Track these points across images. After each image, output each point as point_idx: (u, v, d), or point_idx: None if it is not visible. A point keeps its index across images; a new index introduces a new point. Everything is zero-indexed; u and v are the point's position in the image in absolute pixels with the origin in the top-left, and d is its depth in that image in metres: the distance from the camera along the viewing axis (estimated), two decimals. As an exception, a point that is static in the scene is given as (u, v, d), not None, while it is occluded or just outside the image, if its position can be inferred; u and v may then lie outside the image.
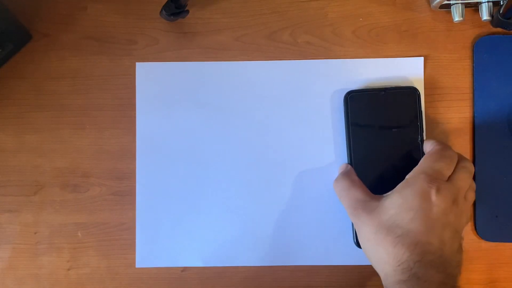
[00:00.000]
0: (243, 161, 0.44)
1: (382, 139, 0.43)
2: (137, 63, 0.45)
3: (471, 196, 0.40)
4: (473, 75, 0.45)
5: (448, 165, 0.39)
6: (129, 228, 0.45)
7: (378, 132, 0.43)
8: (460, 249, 0.38)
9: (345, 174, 0.42)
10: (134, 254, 0.44)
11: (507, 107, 0.45)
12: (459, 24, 0.45)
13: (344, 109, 0.43)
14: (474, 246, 0.45)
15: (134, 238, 0.44)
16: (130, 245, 0.45)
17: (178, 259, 0.44)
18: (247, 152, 0.44)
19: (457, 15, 0.43)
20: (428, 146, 0.41)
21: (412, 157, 0.42)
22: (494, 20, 0.43)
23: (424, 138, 0.43)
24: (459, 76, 0.45)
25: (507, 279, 0.44)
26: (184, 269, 0.45)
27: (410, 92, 0.43)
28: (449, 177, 0.38)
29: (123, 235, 0.45)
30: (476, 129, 0.45)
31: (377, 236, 0.36)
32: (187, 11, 0.44)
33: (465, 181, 0.39)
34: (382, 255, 0.36)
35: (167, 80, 0.45)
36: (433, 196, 0.36)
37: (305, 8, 0.46)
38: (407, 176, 0.39)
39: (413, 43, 0.45)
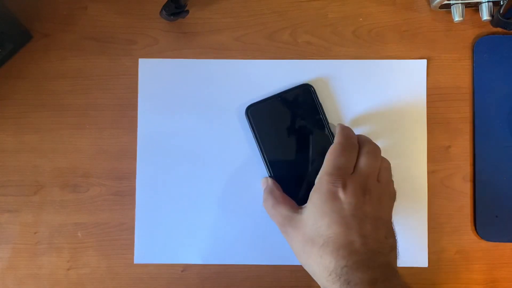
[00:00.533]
0: (243, 160, 0.44)
1: (294, 144, 0.42)
2: (140, 59, 0.45)
3: (385, 176, 0.39)
4: (473, 75, 0.45)
5: (349, 157, 0.38)
6: (129, 228, 0.45)
7: (288, 137, 0.42)
8: (389, 233, 0.36)
9: (267, 192, 0.41)
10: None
11: (507, 107, 0.45)
12: (459, 24, 0.45)
13: (249, 125, 0.43)
14: (474, 246, 0.45)
15: (134, 238, 0.44)
16: (130, 245, 0.44)
17: (177, 256, 0.44)
18: (248, 151, 0.44)
19: (457, 15, 0.43)
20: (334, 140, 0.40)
21: (325, 153, 0.40)
22: (494, 20, 0.43)
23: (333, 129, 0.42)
24: (459, 76, 0.45)
25: (507, 279, 0.44)
26: (184, 269, 0.45)
27: (304, 90, 0.43)
28: (354, 167, 0.37)
29: (123, 235, 0.45)
30: (476, 129, 0.45)
31: (305, 249, 0.36)
32: (187, 11, 0.44)
33: (371, 165, 0.38)
34: (314, 268, 0.36)
35: (169, 77, 0.45)
36: (341, 194, 0.36)
37: (305, 8, 0.46)
38: (315, 180, 0.38)
39: (413, 43, 0.45)
